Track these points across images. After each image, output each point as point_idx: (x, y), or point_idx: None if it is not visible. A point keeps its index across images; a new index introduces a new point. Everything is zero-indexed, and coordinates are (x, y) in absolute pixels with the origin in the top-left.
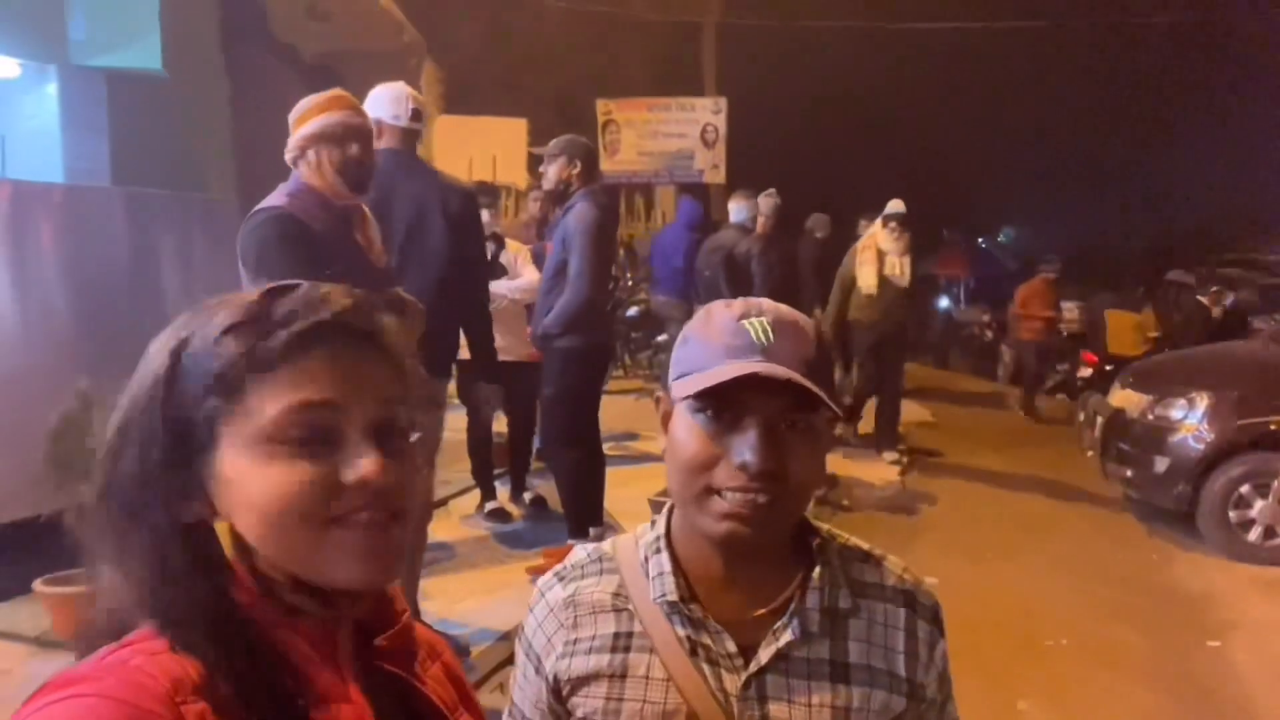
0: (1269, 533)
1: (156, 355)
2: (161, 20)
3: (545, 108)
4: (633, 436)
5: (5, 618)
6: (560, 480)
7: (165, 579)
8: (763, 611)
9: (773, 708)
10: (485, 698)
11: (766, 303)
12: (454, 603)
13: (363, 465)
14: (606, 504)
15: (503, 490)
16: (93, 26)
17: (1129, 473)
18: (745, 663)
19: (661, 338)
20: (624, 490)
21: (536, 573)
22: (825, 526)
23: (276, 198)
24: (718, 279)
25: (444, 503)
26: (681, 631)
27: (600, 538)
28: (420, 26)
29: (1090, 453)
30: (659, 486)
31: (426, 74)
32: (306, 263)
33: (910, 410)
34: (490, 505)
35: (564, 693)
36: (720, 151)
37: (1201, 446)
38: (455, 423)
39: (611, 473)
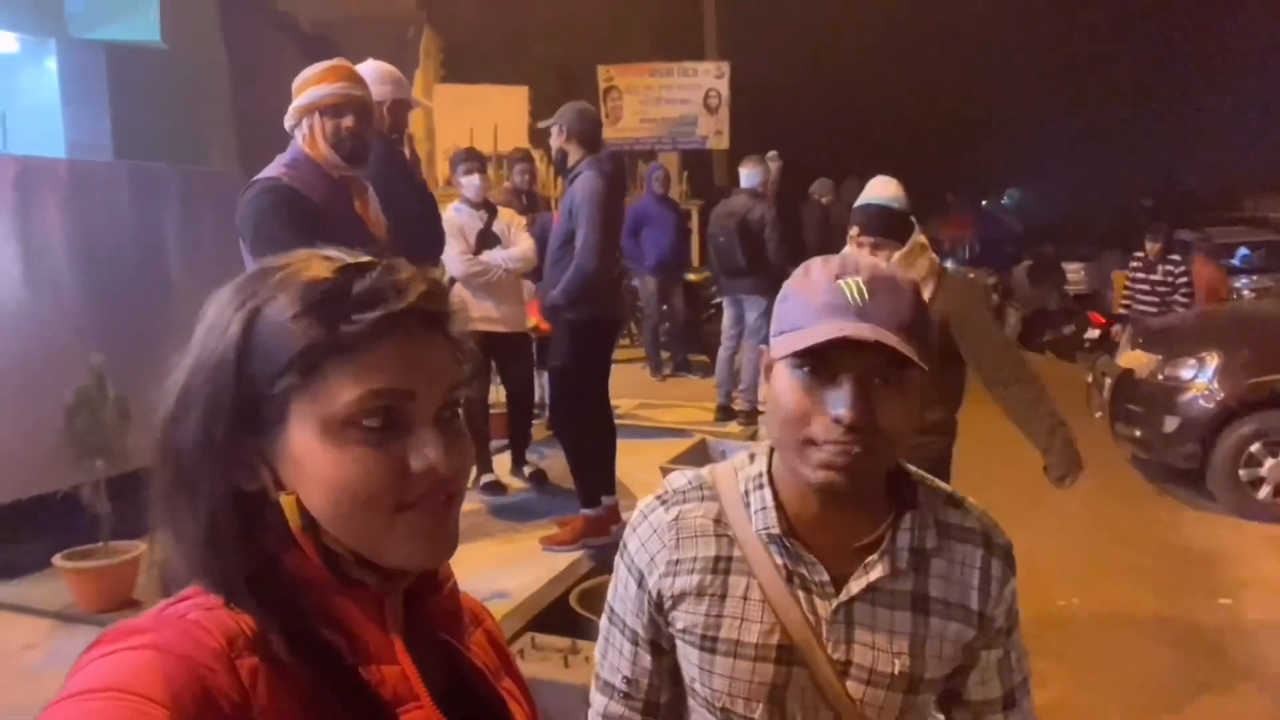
0: (1279, 490)
1: (223, 323)
2: None
3: (546, 75)
4: (642, 406)
5: (26, 593)
6: (569, 450)
7: (215, 544)
8: (856, 547)
9: (858, 632)
10: None
11: (864, 259)
12: (468, 573)
13: (431, 455)
14: (619, 474)
15: (500, 461)
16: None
17: (1138, 433)
18: (836, 591)
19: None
20: (634, 459)
21: (550, 543)
22: (915, 470)
23: (274, 168)
24: (733, 244)
25: None
26: (779, 560)
27: (614, 506)
28: None
29: (1099, 414)
30: (669, 455)
31: (426, 42)
32: (304, 233)
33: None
34: (486, 478)
35: (665, 606)
36: (724, 117)
37: (1211, 405)
38: None
39: (622, 443)
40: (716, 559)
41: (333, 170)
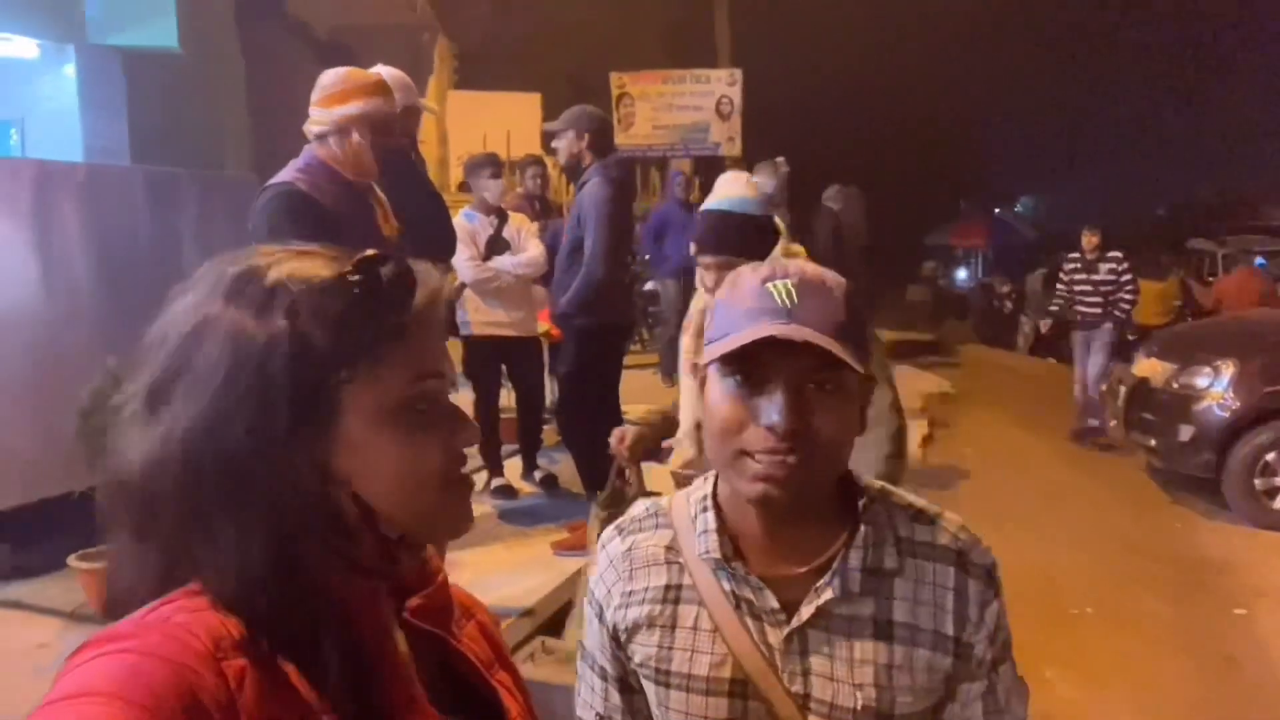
0: None
1: (238, 324)
2: None
3: (559, 82)
4: (653, 411)
5: (41, 593)
6: (577, 455)
7: (277, 557)
8: (805, 569)
9: (814, 662)
10: None
11: (794, 264)
12: (478, 577)
13: (468, 436)
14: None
15: (512, 465)
16: (109, 6)
17: (1153, 441)
18: (788, 618)
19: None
20: (647, 464)
21: (560, 547)
22: (878, 484)
23: (288, 173)
24: None
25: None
26: (727, 586)
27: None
28: (433, 1)
29: (1114, 423)
30: (679, 460)
31: (439, 49)
32: (319, 238)
33: (929, 381)
34: (497, 482)
35: (622, 640)
36: (735, 124)
37: (1226, 414)
38: (462, 399)
39: None
40: (667, 588)
41: (350, 178)
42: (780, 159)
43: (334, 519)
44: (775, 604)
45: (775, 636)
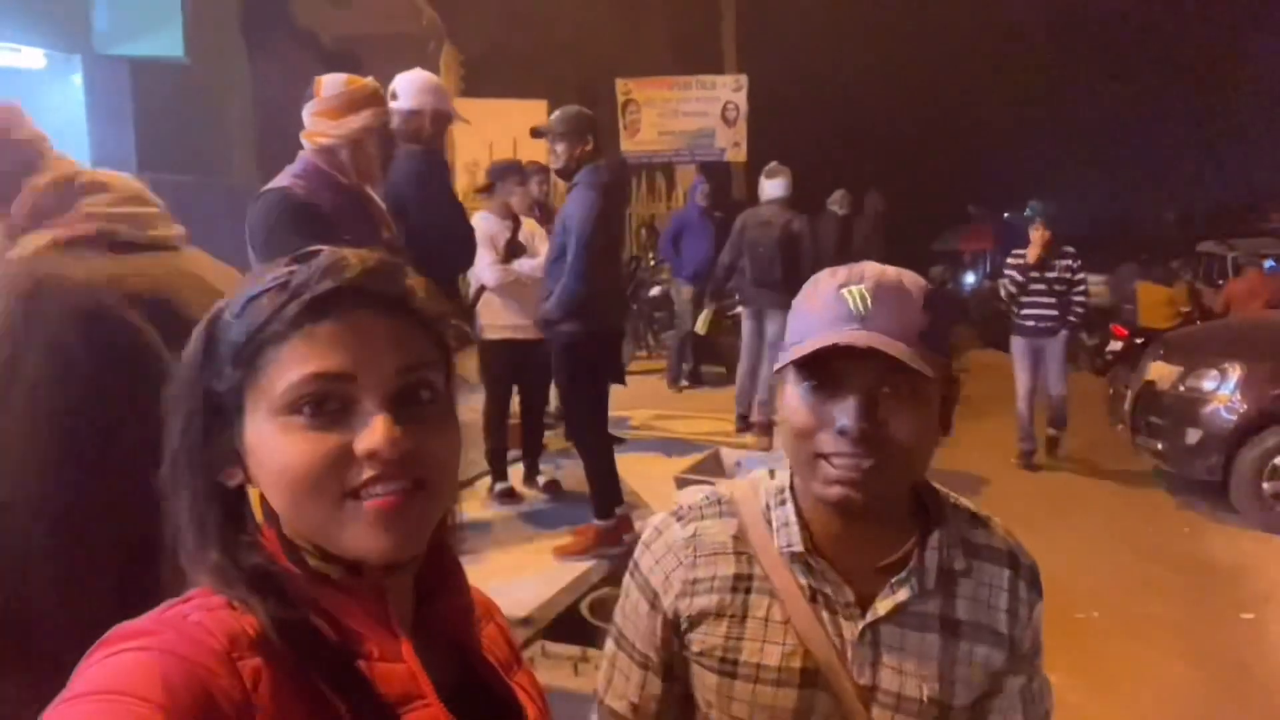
0: None
1: (198, 327)
2: (184, 8)
3: (565, 88)
4: (658, 417)
5: None
6: (584, 461)
7: (204, 541)
8: (880, 566)
9: (886, 655)
10: None
11: (871, 268)
12: (480, 580)
13: (372, 436)
14: (633, 484)
15: (515, 470)
16: (116, 16)
17: (1160, 445)
18: (862, 612)
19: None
20: (649, 469)
21: (563, 552)
22: (941, 488)
23: (283, 178)
24: (774, 256)
25: (470, 483)
26: (802, 579)
27: (625, 516)
28: (439, 9)
29: (1120, 426)
30: (683, 465)
31: (445, 56)
32: (316, 242)
33: None
34: (500, 487)
35: (682, 628)
36: (741, 130)
37: (1234, 418)
38: (473, 402)
39: (637, 453)
40: (736, 578)
41: (344, 183)
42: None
43: (246, 516)
44: (851, 597)
45: (849, 630)
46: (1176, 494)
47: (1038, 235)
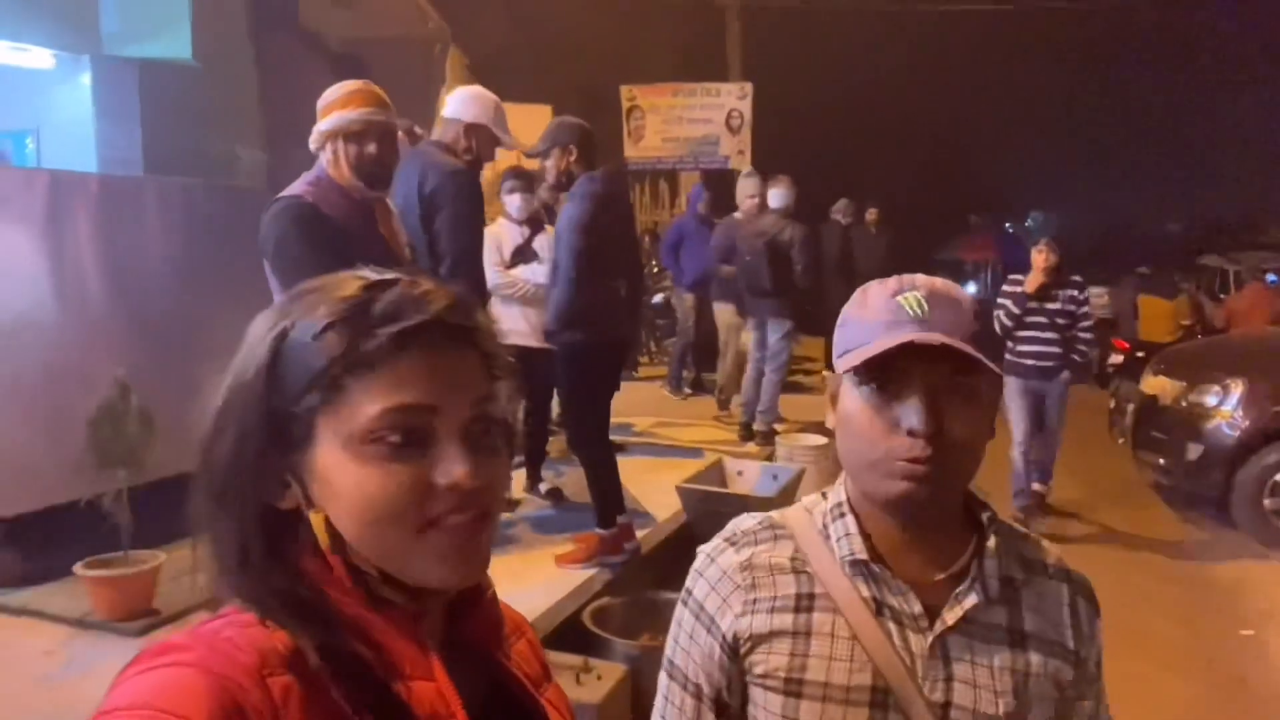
0: None
1: (258, 343)
2: (192, 10)
3: (570, 94)
4: (660, 424)
5: (48, 599)
6: (586, 469)
7: (247, 561)
8: (942, 576)
9: (957, 668)
10: None
11: (920, 278)
12: None
13: (455, 470)
14: (635, 492)
15: (518, 477)
16: (125, 17)
17: (1161, 460)
18: (930, 623)
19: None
20: (652, 477)
21: (565, 561)
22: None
23: (298, 186)
24: (760, 264)
25: None
26: (866, 592)
27: (627, 525)
28: (445, 13)
29: (1121, 440)
30: (686, 474)
31: (451, 61)
32: (326, 252)
33: None
34: None
35: (742, 651)
36: (745, 137)
37: (1236, 433)
38: None
39: (639, 461)
40: (798, 596)
41: (355, 193)
42: (749, 169)
43: (302, 542)
44: (919, 609)
45: (917, 643)
46: (1177, 509)
47: (1040, 259)
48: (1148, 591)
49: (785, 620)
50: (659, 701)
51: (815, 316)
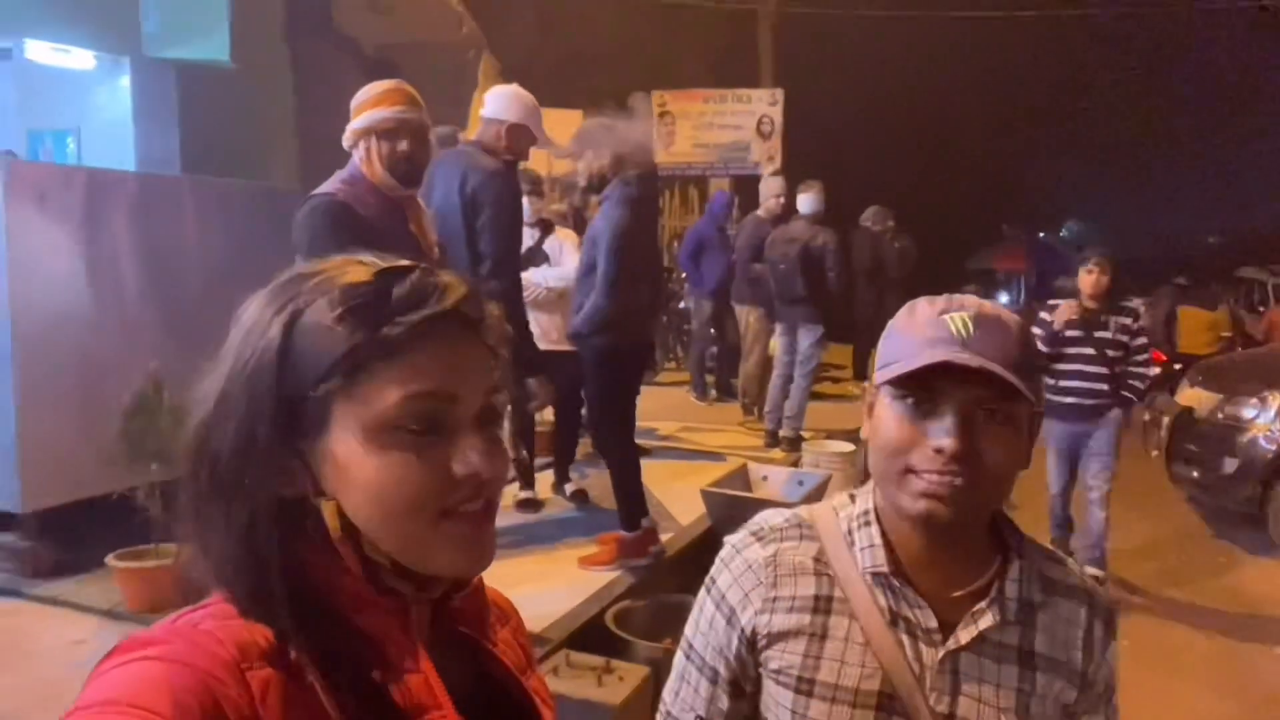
0: None
1: (262, 326)
2: (230, 14)
3: (601, 99)
4: (685, 429)
5: (80, 591)
6: (611, 471)
7: (251, 552)
8: (961, 593)
9: (964, 684)
10: None
11: (969, 299)
12: (507, 588)
13: (474, 459)
14: (660, 496)
15: (545, 478)
16: (164, 20)
17: (1196, 473)
18: (943, 638)
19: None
20: (677, 482)
21: (588, 563)
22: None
23: (331, 184)
24: (794, 271)
25: None
26: (884, 602)
27: (651, 528)
28: (479, 19)
29: (1155, 452)
30: (710, 478)
31: (484, 66)
32: (357, 247)
33: None
34: (524, 495)
35: (759, 645)
36: (776, 143)
37: (1273, 447)
38: None
39: (664, 465)
40: (817, 598)
41: (388, 190)
42: (777, 177)
43: (305, 532)
44: (934, 623)
45: (929, 655)
46: (1212, 524)
47: (1090, 280)
48: (1178, 606)
49: (803, 620)
50: (673, 681)
51: (844, 324)
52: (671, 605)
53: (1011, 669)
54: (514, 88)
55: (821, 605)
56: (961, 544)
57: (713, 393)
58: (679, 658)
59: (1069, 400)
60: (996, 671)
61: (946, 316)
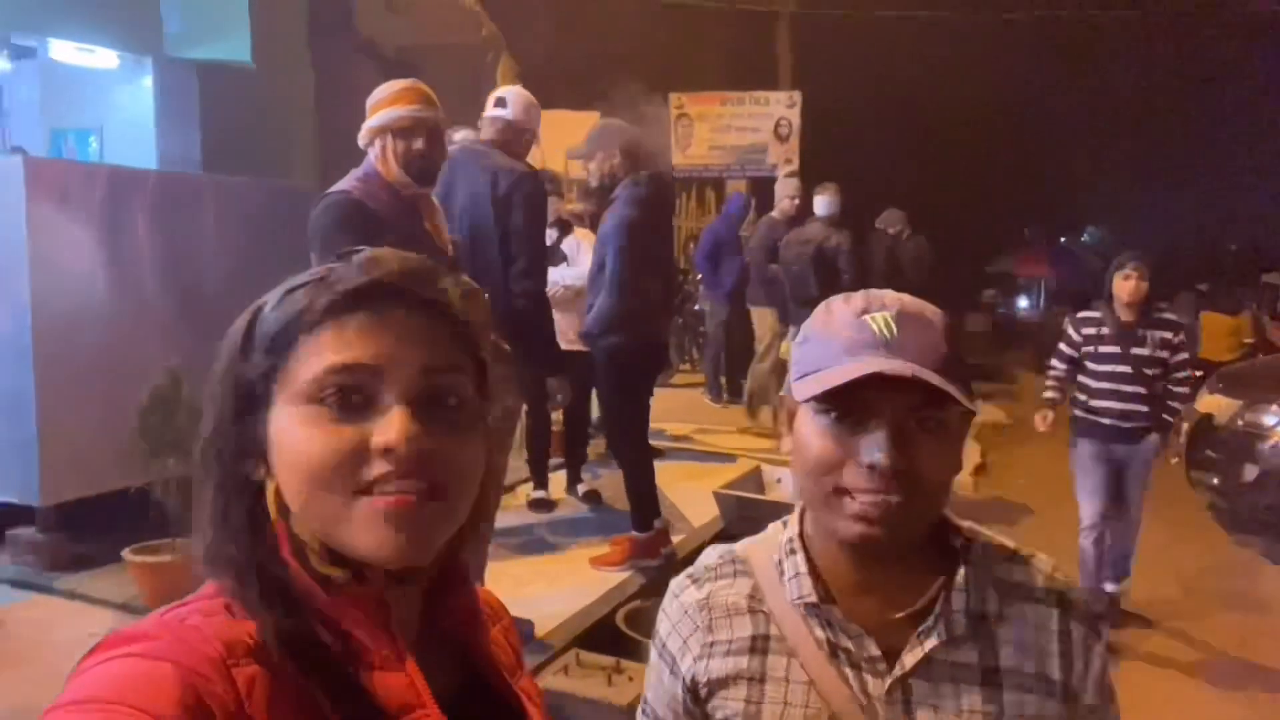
0: None
1: (240, 318)
2: (251, 14)
3: (619, 101)
4: (699, 430)
5: (96, 584)
6: (624, 472)
7: (222, 533)
8: (904, 614)
9: (919, 714)
10: (550, 680)
11: (889, 294)
12: (519, 587)
13: (390, 432)
14: (672, 497)
15: (557, 478)
16: (186, 20)
17: (1216, 480)
18: (889, 666)
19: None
20: (690, 484)
21: (600, 564)
22: (967, 524)
23: (347, 182)
24: (807, 273)
25: (511, 488)
26: (821, 634)
27: (663, 529)
28: (497, 20)
29: (1175, 459)
30: (723, 480)
31: (503, 67)
32: (369, 245)
33: (985, 411)
34: (536, 494)
35: (702, 695)
36: (794, 146)
37: None
38: None
39: (677, 466)
40: (754, 638)
41: (402, 189)
42: (792, 172)
43: (258, 509)
44: (876, 651)
45: (876, 687)
46: (1232, 530)
47: (1128, 287)
48: (1196, 613)
49: (740, 664)
50: None
51: None
52: None
53: (974, 690)
54: (527, 93)
55: (759, 645)
56: (901, 562)
57: (726, 396)
58: (639, 713)
59: (1105, 421)
60: (956, 695)
61: (867, 317)
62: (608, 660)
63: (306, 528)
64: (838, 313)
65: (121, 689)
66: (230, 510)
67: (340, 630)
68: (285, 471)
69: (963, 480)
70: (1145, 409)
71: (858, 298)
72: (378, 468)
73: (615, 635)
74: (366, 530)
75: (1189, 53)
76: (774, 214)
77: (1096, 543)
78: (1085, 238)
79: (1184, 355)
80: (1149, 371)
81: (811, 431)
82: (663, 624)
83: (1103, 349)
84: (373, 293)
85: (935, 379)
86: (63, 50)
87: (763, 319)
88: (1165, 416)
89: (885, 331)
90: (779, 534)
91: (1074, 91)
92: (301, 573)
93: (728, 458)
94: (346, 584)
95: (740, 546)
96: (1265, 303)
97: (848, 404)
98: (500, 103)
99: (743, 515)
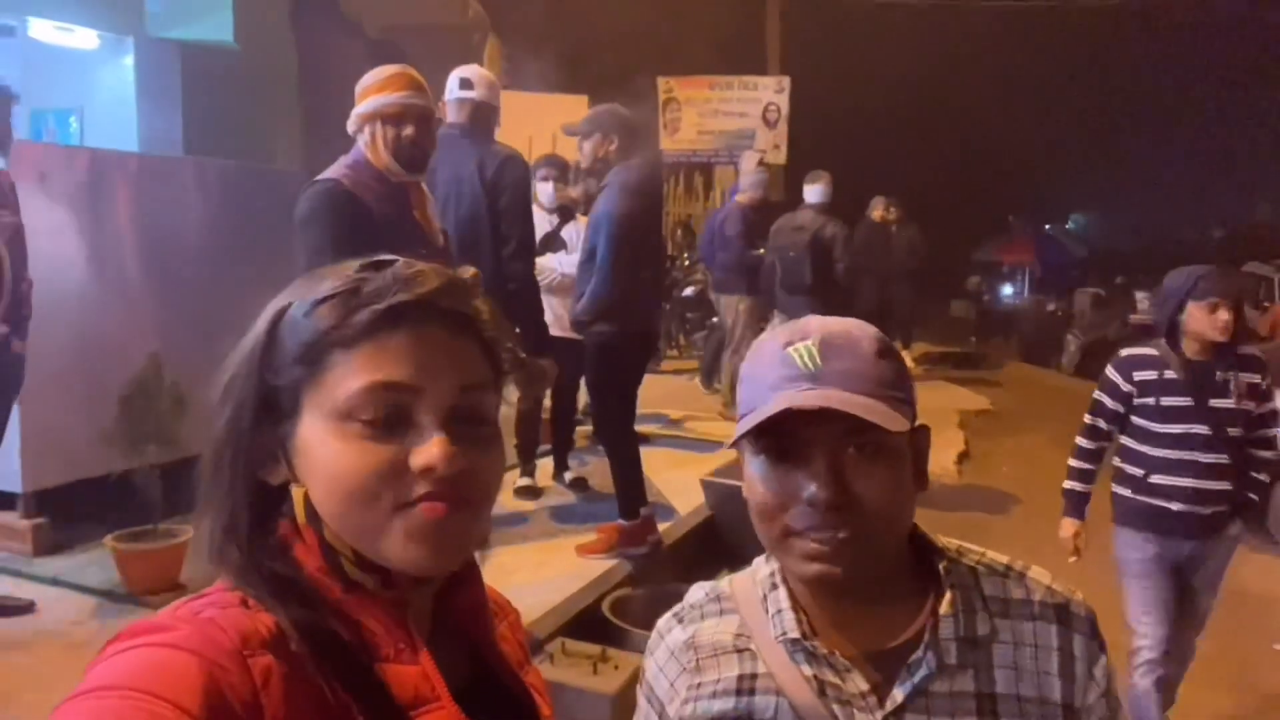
0: None
1: (261, 319)
2: None
3: (607, 84)
4: (686, 418)
5: (77, 571)
6: (611, 460)
7: (233, 532)
8: (893, 645)
9: None
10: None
11: (814, 322)
12: (505, 575)
13: (431, 453)
14: (659, 484)
15: (544, 465)
16: (168, 0)
17: None
18: (879, 701)
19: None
20: (677, 472)
21: (586, 551)
22: (954, 543)
23: (336, 169)
24: (802, 261)
25: None
26: (808, 670)
27: (650, 517)
28: (484, 2)
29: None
30: (711, 467)
31: (489, 50)
32: (358, 235)
33: (969, 399)
34: (522, 482)
35: None
36: (782, 132)
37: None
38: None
39: (664, 454)
40: (740, 678)
41: (392, 176)
42: (762, 152)
43: (287, 517)
44: (864, 685)
45: None
46: None
47: (1221, 324)
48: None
49: (727, 706)
50: None
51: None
52: (669, 594)
53: None
54: (478, 67)
55: (745, 685)
56: (881, 591)
57: (717, 384)
58: None
59: (1173, 507)
60: None
61: (790, 349)
62: (594, 649)
63: (339, 536)
64: (765, 349)
65: (145, 678)
66: (240, 512)
67: (353, 623)
68: (319, 484)
69: (946, 468)
70: (1228, 486)
71: (783, 331)
72: (418, 488)
73: (601, 624)
74: (404, 546)
75: (1173, 43)
76: (741, 200)
77: (1159, 682)
78: (1069, 225)
79: (1272, 405)
80: (1233, 431)
81: (753, 475)
82: (649, 666)
83: (1166, 401)
84: (412, 310)
85: (856, 404)
86: (42, 29)
87: (731, 307)
88: (1250, 494)
89: (809, 363)
90: (761, 568)
91: (1060, 80)
92: (314, 570)
93: (715, 445)
94: (375, 590)
95: (726, 582)
96: (1249, 292)
97: (782, 442)
98: (466, 84)
99: (729, 503)
